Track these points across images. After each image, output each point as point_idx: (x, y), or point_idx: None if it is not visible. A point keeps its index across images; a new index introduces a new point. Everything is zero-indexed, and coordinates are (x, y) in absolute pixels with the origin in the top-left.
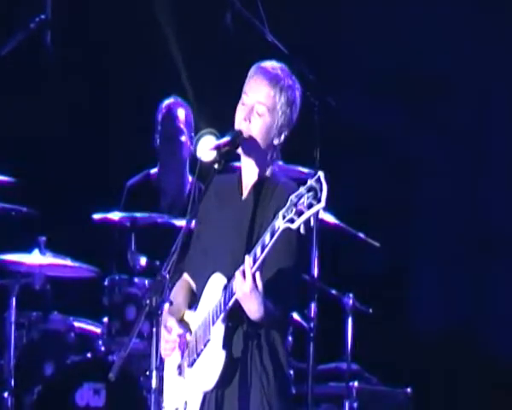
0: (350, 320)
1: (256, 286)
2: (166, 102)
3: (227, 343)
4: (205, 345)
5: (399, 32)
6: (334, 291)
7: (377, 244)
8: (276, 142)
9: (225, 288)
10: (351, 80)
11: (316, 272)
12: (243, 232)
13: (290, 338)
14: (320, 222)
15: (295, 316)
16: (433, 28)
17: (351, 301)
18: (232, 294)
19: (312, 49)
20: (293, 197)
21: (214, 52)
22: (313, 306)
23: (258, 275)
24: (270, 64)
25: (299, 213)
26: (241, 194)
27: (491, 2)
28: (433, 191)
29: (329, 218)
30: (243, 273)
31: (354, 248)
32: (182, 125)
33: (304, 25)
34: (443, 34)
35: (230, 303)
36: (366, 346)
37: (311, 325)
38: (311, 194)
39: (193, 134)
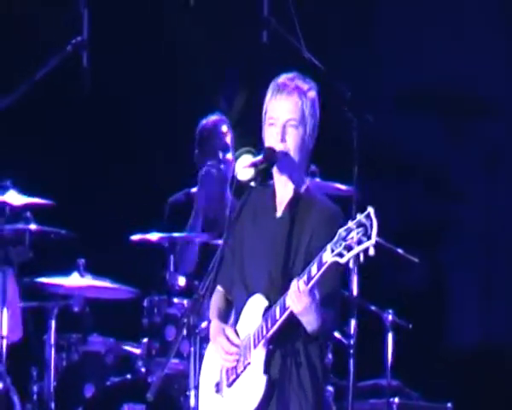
0: (390, 336)
1: (314, 298)
2: (211, 117)
3: (268, 367)
4: (245, 367)
5: (440, 49)
6: (373, 307)
7: (416, 260)
8: (311, 146)
9: (266, 311)
10: (390, 97)
11: (355, 288)
12: (279, 251)
13: (330, 355)
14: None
15: (335, 333)
16: (472, 45)
17: (390, 317)
18: (283, 310)
19: (350, 65)
20: (341, 231)
21: (251, 70)
22: (353, 322)
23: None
24: (285, 77)
25: (349, 249)
26: (276, 211)
27: None
28: (473, 209)
29: None
30: (301, 290)
31: (393, 264)
32: (228, 141)
33: (341, 41)
34: (481, 51)
35: (276, 326)
36: (406, 362)
37: (351, 341)
38: (360, 230)
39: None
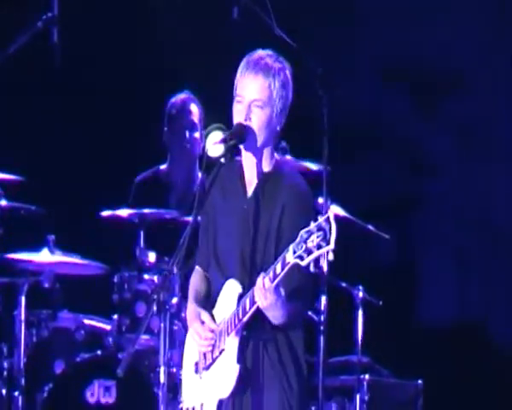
0: (360, 313)
1: (280, 295)
2: (180, 96)
3: (241, 355)
4: (220, 353)
5: (413, 23)
6: (344, 284)
7: (387, 236)
8: (278, 128)
9: (240, 298)
10: (362, 72)
11: (325, 265)
12: (251, 231)
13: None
14: None
15: None
16: (447, 20)
17: (361, 294)
18: (246, 308)
19: (323, 42)
20: (303, 233)
21: (221, 46)
22: (323, 299)
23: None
24: (257, 55)
25: (309, 252)
26: (245, 190)
27: None
28: (445, 184)
29: (339, 210)
30: (266, 287)
31: (364, 240)
32: (196, 121)
33: (313, 17)
34: (458, 27)
35: (247, 316)
36: (377, 338)
37: (322, 318)
38: (320, 234)
39: (203, 131)
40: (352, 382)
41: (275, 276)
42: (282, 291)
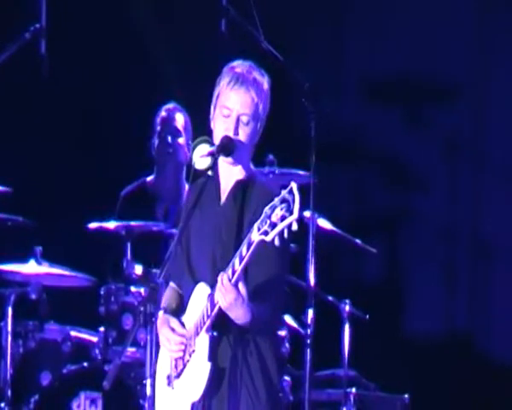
0: (347, 327)
1: (239, 294)
2: (166, 106)
3: (212, 354)
4: (190, 355)
5: (399, 39)
6: (330, 298)
7: (374, 251)
8: (258, 137)
9: (208, 297)
10: (349, 87)
11: (312, 278)
12: (223, 238)
13: (287, 345)
14: (316, 228)
15: (292, 323)
16: (434, 34)
17: (347, 308)
18: (215, 304)
19: (310, 56)
20: (267, 209)
21: (209, 59)
22: (310, 312)
23: (240, 284)
24: (243, 67)
25: (273, 226)
26: (220, 199)
27: (493, 8)
28: (432, 198)
29: (326, 224)
30: (224, 285)
31: (351, 254)
32: (180, 128)
33: (301, 31)
34: (444, 41)
35: (213, 313)
36: (364, 352)
37: (308, 331)
38: (284, 205)
39: (190, 142)
40: (339, 396)
41: (233, 272)
42: (243, 289)
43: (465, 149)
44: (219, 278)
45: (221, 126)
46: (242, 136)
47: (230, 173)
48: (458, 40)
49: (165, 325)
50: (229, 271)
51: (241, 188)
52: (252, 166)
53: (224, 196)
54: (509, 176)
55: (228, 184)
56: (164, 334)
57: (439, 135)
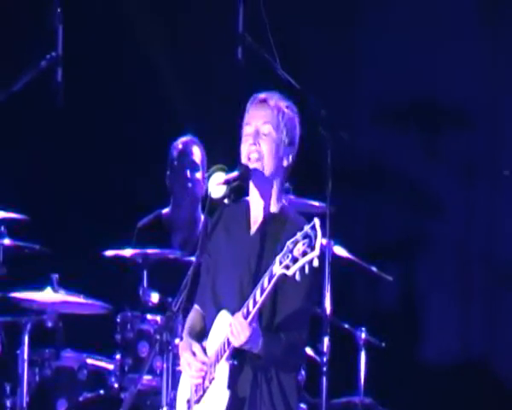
0: (363, 354)
1: (253, 333)
2: (182, 139)
3: (232, 382)
4: (210, 382)
5: (413, 64)
6: (346, 325)
7: (390, 278)
8: (285, 163)
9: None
10: (364, 114)
11: (328, 305)
12: (251, 269)
13: (303, 372)
14: (333, 256)
15: (308, 350)
16: (449, 59)
17: (363, 335)
18: (228, 342)
19: (325, 83)
20: (289, 243)
21: (225, 87)
22: (326, 340)
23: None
24: (265, 93)
25: (295, 260)
26: (249, 228)
27: (508, 33)
28: (449, 224)
29: (342, 251)
30: (239, 323)
31: (367, 281)
32: (198, 162)
33: (316, 58)
34: (459, 65)
35: (231, 347)
36: (379, 380)
37: (324, 359)
38: (306, 241)
39: (206, 174)
40: None
41: (254, 303)
42: (257, 325)
43: (481, 175)
44: (232, 320)
45: (244, 147)
46: (264, 145)
47: (260, 203)
48: (474, 65)
49: (187, 350)
50: (251, 301)
51: (272, 221)
52: (284, 201)
53: (254, 226)
54: None
55: (258, 214)
56: (186, 358)
57: (455, 160)
